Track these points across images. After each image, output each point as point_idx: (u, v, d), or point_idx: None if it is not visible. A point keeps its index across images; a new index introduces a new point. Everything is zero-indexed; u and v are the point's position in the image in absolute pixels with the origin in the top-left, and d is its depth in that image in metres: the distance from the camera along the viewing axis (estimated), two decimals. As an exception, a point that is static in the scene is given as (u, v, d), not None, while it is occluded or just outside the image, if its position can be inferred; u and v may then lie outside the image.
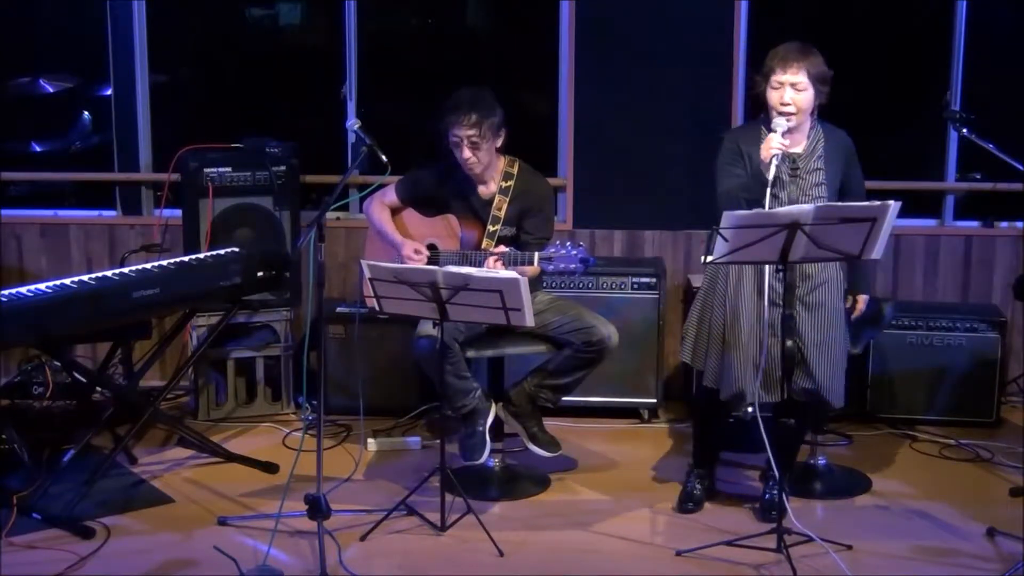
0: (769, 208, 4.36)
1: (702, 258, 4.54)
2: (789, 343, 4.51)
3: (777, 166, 4.40)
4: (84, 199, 6.55)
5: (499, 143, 4.94)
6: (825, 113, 4.67)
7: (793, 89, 4.48)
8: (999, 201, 6.10)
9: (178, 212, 5.91)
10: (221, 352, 5.82)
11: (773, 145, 4.40)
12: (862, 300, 4.81)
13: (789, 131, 4.48)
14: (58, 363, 5.39)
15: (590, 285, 5.76)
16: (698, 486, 4.86)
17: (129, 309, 4.81)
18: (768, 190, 4.38)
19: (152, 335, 5.50)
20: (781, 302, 4.51)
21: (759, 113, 4.66)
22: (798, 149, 4.58)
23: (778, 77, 4.49)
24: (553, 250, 4.58)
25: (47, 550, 4.45)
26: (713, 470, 4.96)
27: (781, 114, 4.48)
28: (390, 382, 5.75)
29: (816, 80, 4.51)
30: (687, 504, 4.82)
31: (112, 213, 6.36)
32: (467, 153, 4.87)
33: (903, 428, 5.70)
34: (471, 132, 4.83)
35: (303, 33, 7.00)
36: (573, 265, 4.55)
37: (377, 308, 4.62)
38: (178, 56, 6.64)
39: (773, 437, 4.49)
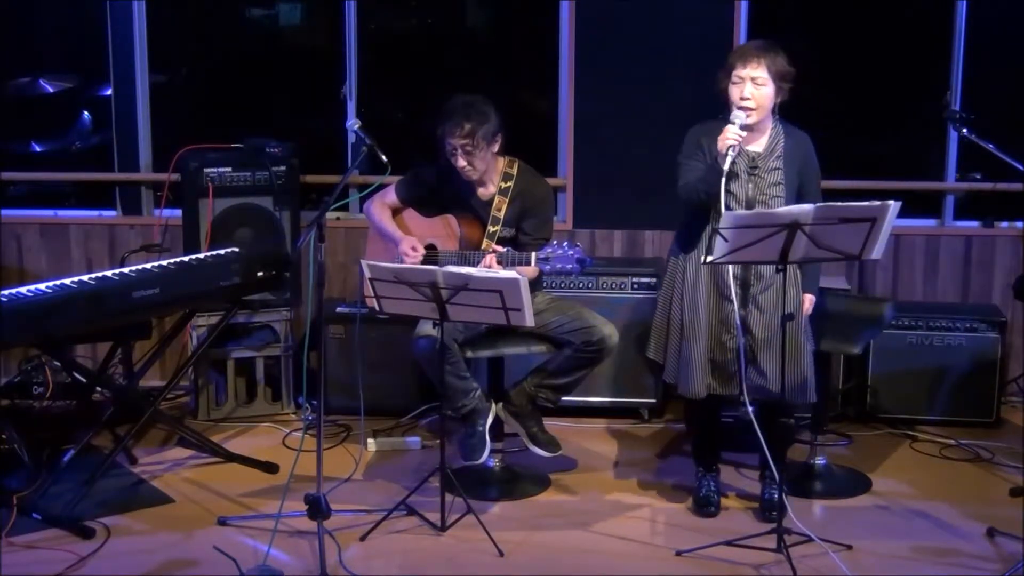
0: (724, 203, 4.39)
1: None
2: (742, 340, 4.54)
3: (734, 159, 4.42)
4: (84, 199, 6.55)
5: (495, 148, 4.94)
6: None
7: (753, 84, 4.51)
8: (999, 201, 6.10)
9: (178, 212, 5.92)
10: (221, 352, 5.82)
11: (729, 136, 4.43)
12: (808, 300, 4.74)
13: (749, 129, 4.51)
14: (58, 363, 5.39)
15: (590, 285, 5.76)
16: (713, 487, 4.86)
17: (129, 309, 4.80)
18: (723, 182, 4.39)
19: (152, 335, 5.50)
20: (738, 300, 4.53)
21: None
22: (758, 148, 4.60)
23: (738, 72, 4.53)
24: (550, 250, 4.58)
25: (47, 550, 4.45)
26: (719, 470, 4.95)
27: (741, 108, 4.50)
28: (390, 382, 5.75)
29: (777, 77, 4.53)
30: (708, 508, 4.81)
31: (112, 213, 6.36)
32: (462, 162, 4.88)
33: (903, 428, 5.69)
34: (464, 142, 4.84)
35: (303, 33, 7.00)
36: (570, 265, 4.55)
37: (377, 308, 4.62)
38: (178, 56, 6.64)
39: (766, 435, 4.50)
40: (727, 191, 4.43)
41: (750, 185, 4.56)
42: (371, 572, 4.34)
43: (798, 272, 4.64)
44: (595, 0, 6.03)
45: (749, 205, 4.51)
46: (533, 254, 4.64)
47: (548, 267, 4.59)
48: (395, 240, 5.06)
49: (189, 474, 5.20)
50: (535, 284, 4.88)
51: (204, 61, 6.82)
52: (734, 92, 4.53)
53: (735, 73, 4.53)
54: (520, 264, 4.68)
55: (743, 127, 4.47)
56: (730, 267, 4.50)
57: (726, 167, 4.40)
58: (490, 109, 4.89)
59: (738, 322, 4.53)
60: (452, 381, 4.85)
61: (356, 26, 6.20)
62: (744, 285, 4.58)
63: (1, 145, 6.51)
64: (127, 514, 4.77)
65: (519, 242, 4.93)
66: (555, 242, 4.62)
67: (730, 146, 4.41)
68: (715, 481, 4.88)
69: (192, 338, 5.79)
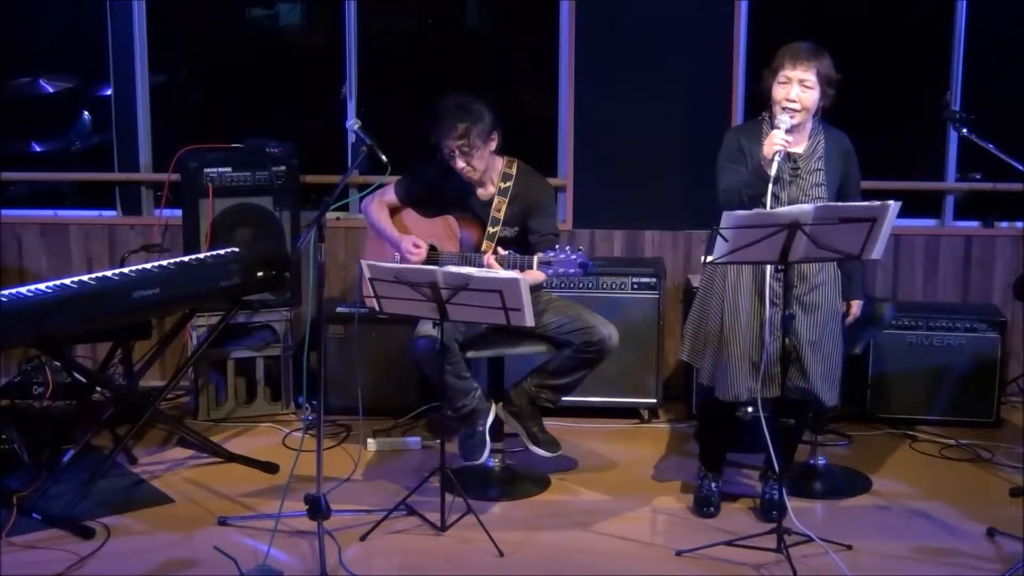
0: (770, 207, 4.37)
1: (702, 258, 4.54)
2: (786, 341, 4.50)
3: (779, 163, 4.40)
4: (84, 199, 6.55)
5: (493, 146, 4.93)
6: (827, 112, 4.67)
7: (800, 86, 4.48)
8: (999, 201, 6.10)
9: (178, 212, 5.91)
10: (221, 352, 5.82)
11: (776, 141, 4.39)
12: (856, 305, 4.79)
13: (792, 129, 4.47)
14: (58, 363, 5.39)
15: (590, 285, 5.76)
16: (714, 488, 4.86)
17: (129, 309, 4.81)
18: (770, 187, 4.38)
19: (152, 335, 5.50)
20: (780, 301, 4.51)
21: (760, 112, 4.66)
22: (799, 149, 4.58)
23: (787, 72, 4.49)
24: (552, 254, 4.57)
25: (47, 550, 4.45)
26: (723, 472, 4.95)
27: (786, 110, 4.47)
28: (390, 382, 5.75)
29: (824, 81, 4.51)
30: (707, 508, 4.80)
31: (112, 213, 6.36)
32: (461, 163, 4.88)
33: (903, 428, 5.69)
34: (460, 143, 4.83)
35: (303, 33, 7.00)
36: (572, 270, 4.54)
37: (377, 308, 4.62)
38: (178, 56, 6.64)
39: (774, 435, 4.49)
40: (772, 194, 4.41)
41: (792, 187, 4.54)
42: (371, 572, 4.34)
43: (838, 272, 4.64)
44: (595, 0, 6.03)
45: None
46: (535, 258, 4.62)
47: (550, 271, 4.58)
48: (393, 241, 5.05)
49: (189, 474, 5.20)
50: (536, 284, 4.87)
51: (204, 61, 6.82)
52: (779, 92, 4.49)
53: (783, 73, 4.49)
54: (521, 268, 4.66)
55: (787, 130, 4.43)
56: (767, 268, 4.49)
57: (773, 172, 4.38)
58: (482, 107, 4.88)
59: (768, 323, 4.49)
60: (452, 381, 4.85)
61: (356, 26, 6.19)
62: (788, 287, 4.54)
63: (1, 145, 6.51)
64: (127, 514, 4.77)
65: (528, 242, 4.92)
66: (557, 245, 4.61)
67: (776, 151, 4.38)
68: (716, 482, 4.88)
69: (192, 338, 5.79)
